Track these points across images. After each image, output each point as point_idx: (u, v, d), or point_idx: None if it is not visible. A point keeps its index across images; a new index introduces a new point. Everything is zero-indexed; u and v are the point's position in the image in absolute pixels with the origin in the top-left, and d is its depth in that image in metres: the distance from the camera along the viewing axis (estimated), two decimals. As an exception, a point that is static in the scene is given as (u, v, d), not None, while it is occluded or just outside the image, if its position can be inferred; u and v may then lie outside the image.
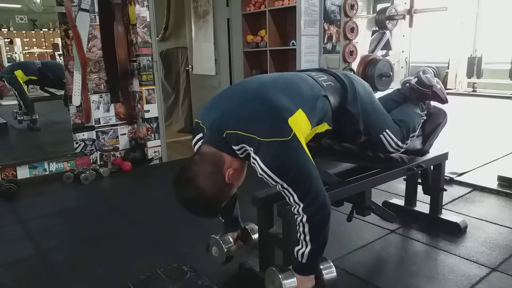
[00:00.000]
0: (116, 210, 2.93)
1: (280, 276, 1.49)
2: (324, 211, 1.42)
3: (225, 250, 1.77)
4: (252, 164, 1.40)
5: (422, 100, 2.14)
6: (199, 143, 1.52)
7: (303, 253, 1.46)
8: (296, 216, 1.44)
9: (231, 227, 1.87)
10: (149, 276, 1.92)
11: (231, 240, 1.81)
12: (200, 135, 1.52)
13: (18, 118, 4.11)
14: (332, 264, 1.56)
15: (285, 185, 1.39)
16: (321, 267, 1.54)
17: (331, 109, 1.61)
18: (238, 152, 1.42)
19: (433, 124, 2.21)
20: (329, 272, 1.54)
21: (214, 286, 1.83)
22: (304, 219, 1.41)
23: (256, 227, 1.86)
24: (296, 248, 1.48)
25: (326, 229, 1.45)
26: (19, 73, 4.04)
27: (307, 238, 1.43)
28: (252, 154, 1.38)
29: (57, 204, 3.10)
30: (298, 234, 1.46)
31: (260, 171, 1.37)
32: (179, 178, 1.43)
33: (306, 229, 1.42)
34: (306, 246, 1.45)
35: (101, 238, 2.45)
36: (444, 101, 2.16)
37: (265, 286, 1.58)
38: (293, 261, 1.51)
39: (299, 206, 1.41)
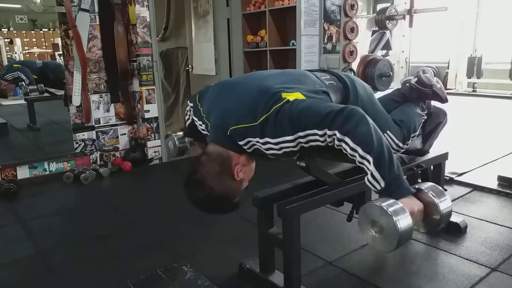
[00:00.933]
0: (116, 210, 2.93)
1: (383, 207, 1.13)
2: (355, 116, 1.23)
3: (177, 144, 1.86)
4: (267, 151, 1.37)
5: (422, 99, 2.13)
6: (190, 113, 1.71)
7: (372, 174, 1.20)
8: (345, 151, 1.24)
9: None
10: (149, 276, 1.92)
11: (187, 140, 1.89)
12: (193, 114, 1.67)
13: (25, 91, 4.12)
14: (441, 189, 1.27)
15: (302, 134, 1.28)
16: (422, 187, 1.25)
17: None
18: (245, 147, 1.42)
19: (433, 124, 2.21)
20: (442, 198, 1.22)
21: (214, 286, 1.84)
22: (347, 139, 1.21)
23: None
24: (366, 179, 1.23)
25: (371, 131, 1.22)
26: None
27: (360, 152, 1.20)
28: (261, 142, 1.36)
29: (57, 204, 3.10)
30: (357, 162, 1.23)
31: (277, 149, 1.34)
32: (189, 180, 1.44)
33: (351, 144, 1.21)
34: (369, 163, 1.20)
35: (101, 238, 2.45)
36: (444, 100, 2.16)
37: (265, 286, 1.57)
38: (379, 196, 1.23)
39: (335, 135, 1.23)
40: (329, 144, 1.27)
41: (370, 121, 1.25)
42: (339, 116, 1.23)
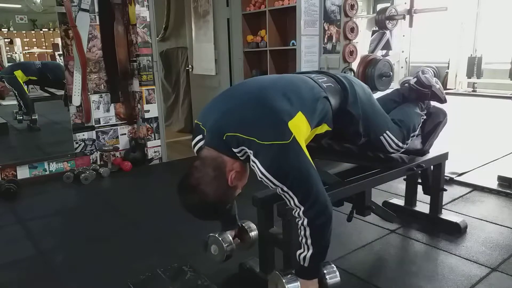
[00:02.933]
0: (116, 210, 2.93)
1: (283, 280, 1.48)
2: (326, 214, 1.41)
3: (225, 248, 1.77)
4: (252, 166, 1.40)
5: (421, 100, 2.14)
6: (199, 144, 1.52)
7: (304, 257, 1.45)
8: (297, 220, 1.43)
9: (229, 225, 1.86)
10: (149, 276, 1.92)
11: (230, 238, 1.80)
12: (200, 136, 1.52)
13: (18, 118, 4.12)
14: (335, 268, 1.55)
15: (285, 188, 1.38)
16: (325, 271, 1.52)
17: (331, 110, 1.60)
18: (238, 155, 1.41)
19: (433, 124, 2.21)
20: (333, 276, 1.53)
21: (214, 286, 1.84)
22: (305, 222, 1.40)
23: (253, 225, 1.86)
24: (298, 252, 1.47)
25: (328, 233, 1.43)
26: (19, 73, 4.05)
27: (309, 241, 1.42)
28: (252, 157, 1.37)
29: (57, 204, 3.10)
30: (300, 238, 1.44)
31: (260, 174, 1.37)
32: (183, 185, 1.43)
33: (308, 233, 1.41)
34: (308, 250, 1.43)
35: (101, 238, 2.45)
36: (443, 100, 2.16)
37: (265, 286, 1.58)
38: (295, 264, 1.51)
39: (300, 209, 1.40)
40: (293, 212, 1.43)
41: (330, 224, 1.43)
42: (315, 207, 1.38)
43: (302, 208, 1.39)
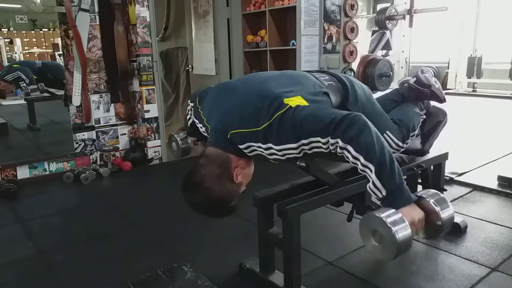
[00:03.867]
0: (116, 210, 2.93)
1: (382, 218, 1.14)
2: (358, 123, 1.23)
3: (180, 145, 1.88)
4: (270, 157, 1.38)
5: (420, 99, 2.13)
6: (191, 111, 1.68)
7: (374, 183, 1.21)
8: (347, 159, 1.25)
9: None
10: (149, 276, 1.92)
11: (190, 140, 1.90)
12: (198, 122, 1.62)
13: (26, 91, 4.13)
14: (443, 196, 1.27)
15: (305, 143, 1.30)
16: (424, 195, 1.26)
17: (331, 106, 1.60)
18: (246, 151, 1.42)
19: (432, 123, 2.20)
20: (445, 207, 1.23)
21: (214, 286, 1.83)
22: (350, 147, 1.22)
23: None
24: (368, 186, 1.24)
25: (374, 139, 1.22)
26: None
27: (362, 161, 1.21)
28: (263, 147, 1.36)
29: (57, 204, 3.10)
30: (360, 170, 1.24)
31: (280, 155, 1.35)
32: (188, 182, 1.43)
33: (353, 152, 1.22)
34: (371, 171, 1.21)
35: (101, 238, 2.45)
36: (442, 100, 2.16)
37: (265, 286, 1.57)
38: (382, 206, 1.25)
39: (337, 144, 1.24)
40: (332, 151, 1.28)
41: (373, 128, 1.25)
42: (341, 124, 1.24)
43: (339, 140, 1.23)
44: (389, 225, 1.13)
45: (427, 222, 1.22)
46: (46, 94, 4.31)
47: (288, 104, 1.33)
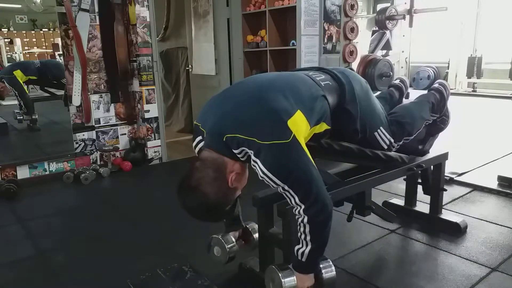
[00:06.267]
0: (116, 210, 2.93)
1: (279, 274, 1.50)
2: (326, 212, 1.41)
3: (227, 249, 1.76)
4: (253, 166, 1.40)
5: (441, 105, 2.14)
6: (200, 145, 1.52)
7: (303, 252, 1.46)
8: (297, 217, 1.44)
9: (233, 226, 1.86)
10: (149, 276, 1.92)
11: (233, 239, 1.80)
12: (200, 137, 1.52)
13: (18, 118, 4.14)
14: (331, 263, 1.56)
15: (286, 187, 1.38)
16: (321, 266, 1.53)
17: (329, 108, 1.61)
18: (239, 156, 1.41)
19: (435, 128, 2.21)
20: (329, 271, 1.54)
21: (214, 286, 1.84)
22: (305, 220, 1.41)
23: (257, 226, 1.86)
24: (296, 247, 1.48)
25: (327, 230, 1.44)
26: (18, 73, 4.05)
27: (308, 238, 1.43)
28: (253, 157, 1.37)
29: (57, 204, 3.10)
30: (299, 234, 1.45)
31: (261, 174, 1.37)
32: (183, 186, 1.43)
33: (307, 230, 1.42)
34: (307, 246, 1.45)
35: (101, 238, 2.45)
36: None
37: (265, 286, 1.58)
38: (293, 259, 1.51)
39: (300, 207, 1.41)
40: (293, 210, 1.44)
41: (330, 223, 1.44)
42: (315, 205, 1.39)
43: (303, 207, 1.40)
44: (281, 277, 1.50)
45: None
46: (46, 94, 4.31)
47: (292, 134, 1.36)
